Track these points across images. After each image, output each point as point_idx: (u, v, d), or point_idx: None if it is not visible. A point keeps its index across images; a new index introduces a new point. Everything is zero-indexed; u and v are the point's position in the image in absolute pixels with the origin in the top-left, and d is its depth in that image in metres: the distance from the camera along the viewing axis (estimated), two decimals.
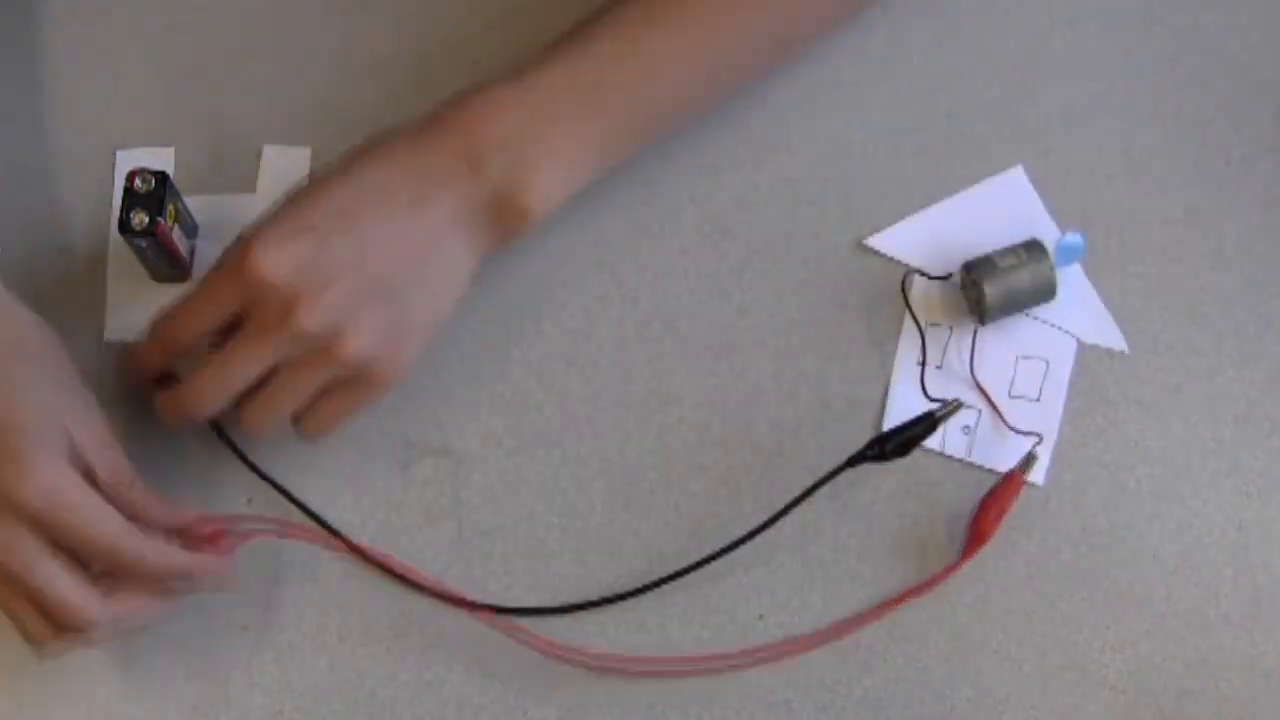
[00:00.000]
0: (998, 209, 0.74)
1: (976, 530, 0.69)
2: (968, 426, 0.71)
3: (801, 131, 0.75)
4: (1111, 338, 0.72)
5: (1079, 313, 0.72)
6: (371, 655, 0.69)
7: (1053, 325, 0.72)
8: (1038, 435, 0.70)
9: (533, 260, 0.73)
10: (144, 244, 0.68)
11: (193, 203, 0.72)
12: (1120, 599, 0.70)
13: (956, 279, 0.72)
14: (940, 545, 0.70)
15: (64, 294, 0.73)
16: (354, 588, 0.70)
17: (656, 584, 0.69)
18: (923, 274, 0.72)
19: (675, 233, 0.74)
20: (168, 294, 0.70)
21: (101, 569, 0.62)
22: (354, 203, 0.62)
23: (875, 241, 0.73)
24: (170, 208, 0.68)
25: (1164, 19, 0.77)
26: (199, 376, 0.64)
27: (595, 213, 0.74)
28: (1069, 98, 0.75)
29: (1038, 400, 0.71)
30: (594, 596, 0.69)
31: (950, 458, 0.71)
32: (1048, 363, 0.72)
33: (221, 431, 0.69)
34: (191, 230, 0.72)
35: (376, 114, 0.69)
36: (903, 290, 0.72)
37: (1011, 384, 0.72)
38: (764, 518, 0.68)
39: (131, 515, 0.61)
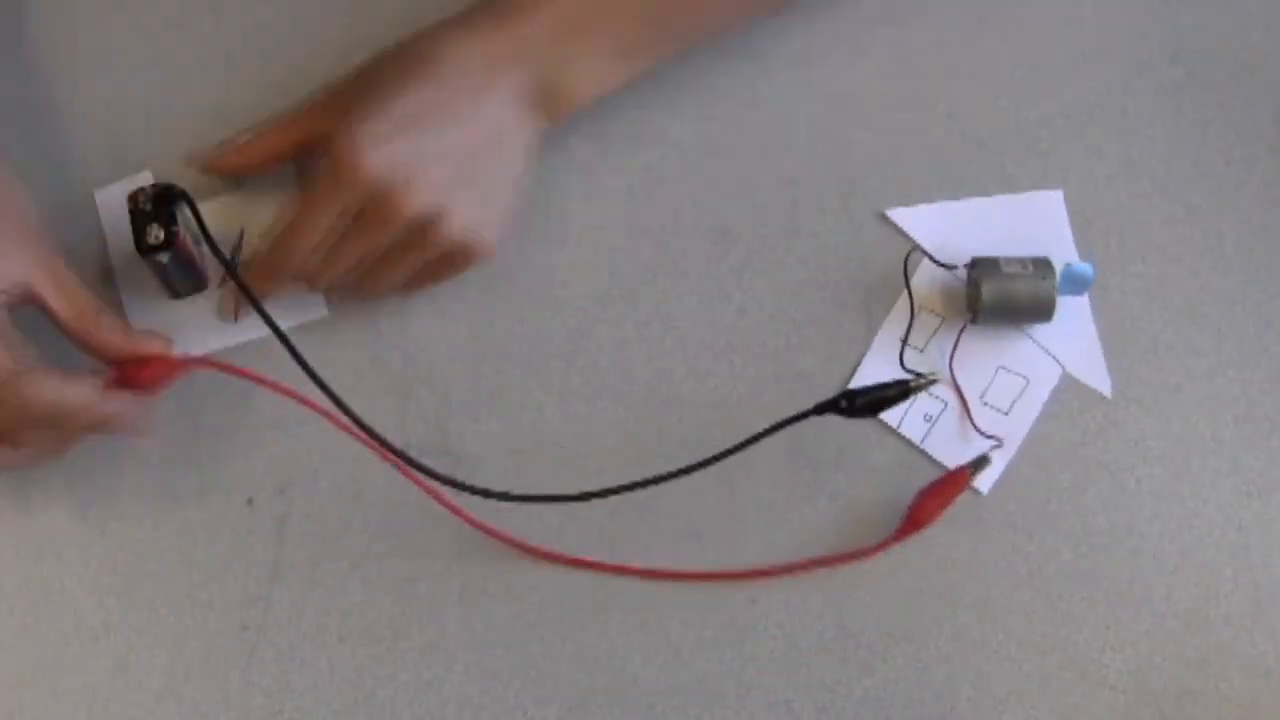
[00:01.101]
0: (1026, 223, 0.74)
1: (914, 517, 0.69)
2: (929, 415, 0.71)
3: (802, 131, 0.75)
4: (1098, 378, 0.72)
5: (1072, 343, 0.72)
6: (371, 655, 0.69)
7: (1043, 347, 0.72)
8: (998, 439, 0.71)
9: (533, 259, 0.73)
10: (165, 258, 0.66)
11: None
12: (1120, 599, 0.70)
13: (961, 274, 0.72)
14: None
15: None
16: (357, 587, 0.70)
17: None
18: (929, 257, 0.72)
19: (675, 233, 0.74)
20: (188, 308, 0.71)
21: None
22: (426, 96, 0.68)
23: (896, 215, 0.73)
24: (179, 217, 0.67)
25: (1164, 19, 0.77)
26: (319, 264, 0.69)
27: (596, 212, 0.74)
28: (1069, 98, 0.75)
29: (1006, 414, 0.71)
30: None
31: (903, 439, 0.71)
32: (1027, 381, 0.72)
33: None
34: (196, 239, 0.71)
35: None
36: (905, 267, 0.72)
37: (986, 390, 0.72)
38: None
39: (95, 346, 0.66)
